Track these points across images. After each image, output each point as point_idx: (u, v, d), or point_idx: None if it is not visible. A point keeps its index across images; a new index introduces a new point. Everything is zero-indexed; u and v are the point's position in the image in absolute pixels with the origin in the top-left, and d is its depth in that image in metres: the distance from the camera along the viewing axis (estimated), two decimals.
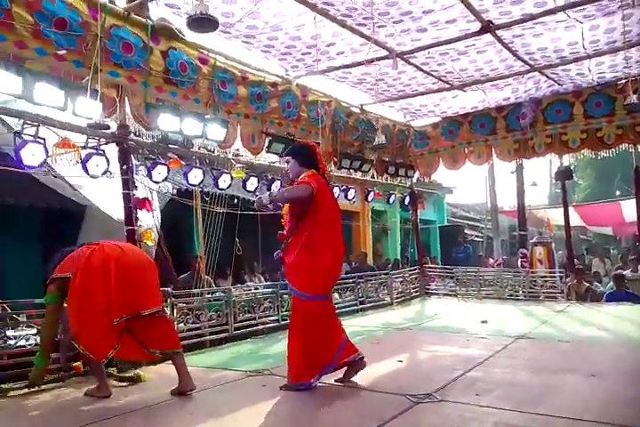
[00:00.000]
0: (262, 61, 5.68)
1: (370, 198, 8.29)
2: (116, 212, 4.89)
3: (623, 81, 7.04)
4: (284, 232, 3.51)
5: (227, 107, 5.13)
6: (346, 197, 7.50)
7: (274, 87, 5.68)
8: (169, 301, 4.52)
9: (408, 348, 4.65)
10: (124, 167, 4.27)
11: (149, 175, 4.60)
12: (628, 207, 12.67)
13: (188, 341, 4.72)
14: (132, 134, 4.50)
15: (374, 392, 3.24)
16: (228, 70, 5.08)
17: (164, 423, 2.87)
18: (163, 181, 4.78)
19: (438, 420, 2.76)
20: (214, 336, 5.07)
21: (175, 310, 4.65)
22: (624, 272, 8.72)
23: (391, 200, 8.78)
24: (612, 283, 8.29)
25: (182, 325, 4.69)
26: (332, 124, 6.61)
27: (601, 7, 4.83)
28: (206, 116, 4.74)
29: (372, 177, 8.11)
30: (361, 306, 7.23)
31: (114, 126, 4.33)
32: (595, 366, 3.69)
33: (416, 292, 8.67)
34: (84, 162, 4.06)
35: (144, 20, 4.19)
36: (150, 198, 4.64)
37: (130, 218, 4.27)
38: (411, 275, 8.74)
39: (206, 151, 5.43)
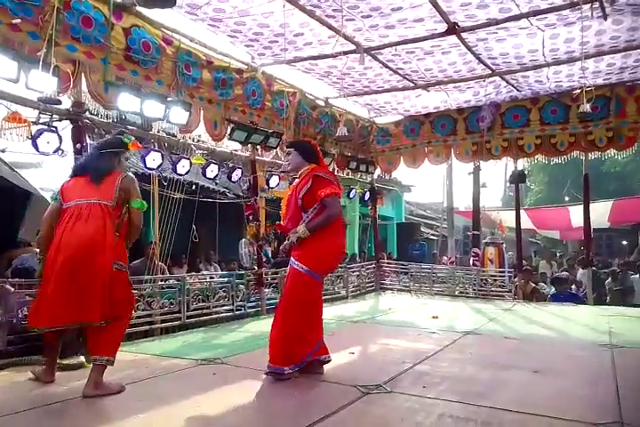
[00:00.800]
0: (228, 47, 5.58)
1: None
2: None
3: (578, 91, 7.35)
4: (284, 222, 3.48)
5: (190, 90, 5.01)
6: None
7: (239, 74, 5.59)
8: None
9: (361, 340, 4.70)
10: (78, 146, 4.09)
11: None
12: (575, 213, 13.23)
13: (138, 328, 4.62)
14: (87, 112, 4.32)
15: (325, 383, 3.26)
16: (192, 53, 4.97)
17: (109, 410, 2.79)
18: None
19: (386, 410, 2.80)
20: (166, 324, 4.98)
21: None
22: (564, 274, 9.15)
23: (351, 195, 8.83)
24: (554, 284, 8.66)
25: (133, 312, 4.57)
26: (295, 115, 6.58)
27: (562, 17, 4.99)
28: (168, 99, 4.60)
29: (333, 171, 8.13)
30: None
31: (69, 103, 4.14)
32: (538, 362, 3.82)
33: (371, 286, 8.79)
34: (34, 138, 3.87)
35: None
36: None
37: None
38: (367, 270, 8.84)
39: (166, 135, 5.29)
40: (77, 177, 3.20)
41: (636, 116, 7.08)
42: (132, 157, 5.85)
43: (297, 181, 3.53)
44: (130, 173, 3.32)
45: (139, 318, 4.67)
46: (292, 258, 3.34)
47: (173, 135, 5.40)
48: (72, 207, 3.04)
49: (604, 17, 4.78)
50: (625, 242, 22.34)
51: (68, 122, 4.16)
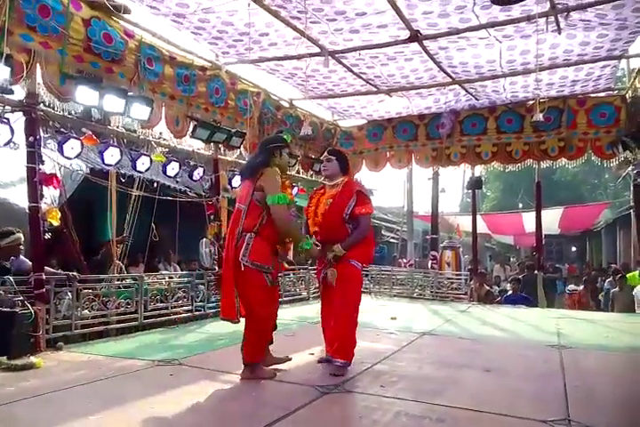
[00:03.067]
0: (192, 44, 5.51)
1: (294, 194, 8.29)
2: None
3: (532, 101, 7.65)
4: (320, 231, 3.64)
5: (152, 85, 4.92)
6: None
7: (202, 71, 5.52)
8: (73, 286, 4.26)
9: (321, 341, 4.61)
10: (31, 139, 3.93)
11: (60, 150, 4.27)
12: (528, 219, 13.73)
13: (92, 328, 4.48)
14: (42, 104, 4.16)
15: (284, 383, 3.25)
16: (155, 48, 4.88)
17: (57, 412, 2.69)
18: (76, 157, 4.46)
19: (344, 409, 2.83)
20: (122, 324, 4.85)
21: (80, 296, 4.40)
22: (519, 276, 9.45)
23: None
24: (509, 286, 8.95)
25: (87, 311, 4.44)
26: (259, 115, 6.56)
27: (519, 29, 5.19)
28: (129, 94, 4.49)
29: (298, 172, 8.14)
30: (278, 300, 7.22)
31: (23, 94, 3.98)
32: (490, 362, 3.94)
33: None
34: None
35: None
36: (59, 175, 4.30)
37: (34, 194, 3.96)
38: None
39: (125, 131, 5.16)
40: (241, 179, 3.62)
41: (586, 127, 7.43)
42: (89, 152, 5.70)
43: (332, 190, 3.66)
44: (268, 169, 3.33)
45: (94, 318, 4.53)
46: (343, 259, 3.55)
47: (133, 131, 5.27)
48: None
49: (559, 31, 5.00)
50: (574, 248, 23.35)
51: (20, 114, 3.99)
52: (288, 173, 3.94)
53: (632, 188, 8.44)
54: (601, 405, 2.97)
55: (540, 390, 3.24)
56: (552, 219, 14.16)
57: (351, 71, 6.39)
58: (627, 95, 6.98)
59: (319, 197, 3.72)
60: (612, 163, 7.72)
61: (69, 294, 4.37)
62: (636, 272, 7.94)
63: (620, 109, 7.15)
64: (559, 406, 2.88)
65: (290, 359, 3.66)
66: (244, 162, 7.10)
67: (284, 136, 3.58)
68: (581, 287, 9.61)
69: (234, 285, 3.22)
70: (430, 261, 11.04)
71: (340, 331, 3.48)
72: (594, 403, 2.99)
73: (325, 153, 3.81)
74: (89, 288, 4.54)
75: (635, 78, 6.47)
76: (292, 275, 7.80)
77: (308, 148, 8.02)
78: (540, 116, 5.51)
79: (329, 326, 3.62)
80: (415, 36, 5.23)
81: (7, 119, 3.84)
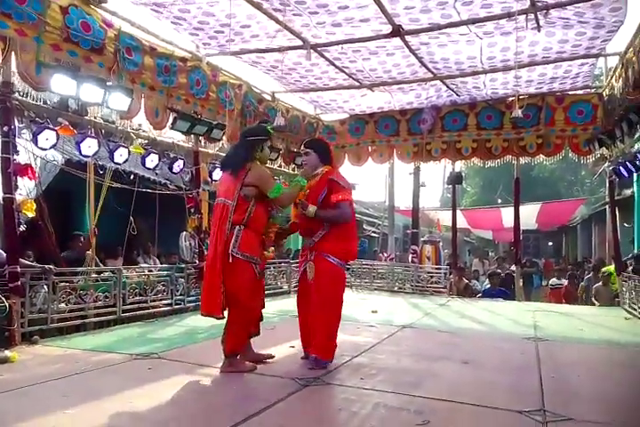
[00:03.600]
0: (172, 34, 5.42)
1: None
2: None
3: (512, 98, 7.73)
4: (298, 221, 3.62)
5: (131, 75, 4.82)
6: None
7: (183, 62, 5.45)
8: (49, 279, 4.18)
9: None
10: (5, 129, 3.83)
11: (35, 140, 4.17)
12: (507, 214, 13.92)
13: (70, 322, 4.42)
14: (17, 93, 4.05)
15: (264, 376, 3.25)
16: (134, 37, 4.78)
17: (32, 406, 2.64)
18: (51, 147, 4.35)
19: (324, 401, 2.85)
20: (100, 318, 4.79)
21: (57, 289, 4.32)
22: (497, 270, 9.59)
23: None
24: (487, 280, 9.07)
25: (63, 305, 4.37)
26: (241, 108, 6.50)
27: (499, 26, 5.23)
28: (108, 83, 4.39)
29: (279, 166, 8.11)
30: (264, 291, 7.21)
31: None
32: (468, 354, 4.00)
33: None
34: None
35: None
36: (34, 166, 4.21)
37: (9, 185, 3.86)
38: None
39: (103, 121, 5.06)
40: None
41: (564, 124, 7.54)
42: (66, 143, 5.59)
43: (312, 181, 3.58)
44: (254, 164, 3.34)
45: (71, 311, 4.46)
46: (319, 252, 3.47)
47: (112, 122, 5.18)
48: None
49: (538, 28, 5.05)
50: (550, 243, 23.78)
51: None
52: (268, 165, 3.82)
53: (607, 184, 8.60)
54: (576, 396, 3.04)
55: (516, 381, 3.31)
56: (530, 214, 14.37)
57: (333, 65, 6.37)
58: (604, 93, 7.10)
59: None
60: (588, 160, 7.88)
61: (45, 287, 4.30)
62: (611, 267, 8.12)
63: (597, 107, 7.28)
64: (535, 397, 2.94)
65: (272, 357, 3.62)
66: (224, 155, 7.06)
67: (267, 128, 3.50)
68: (565, 282, 9.62)
69: (221, 280, 3.19)
70: (411, 256, 11.13)
71: (318, 329, 3.42)
72: (569, 394, 3.06)
73: (302, 146, 3.72)
74: (65, 281, 4.46)
75: (611, 76, 6.58)
76: (272, 268, 7.78)
77: (289, 141, 7.99)
78: (519, 113, 5.57)
79: (306, 323, 3.56)
80: (397, 31, 5.23)
81: None
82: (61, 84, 4.08)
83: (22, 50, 3.88)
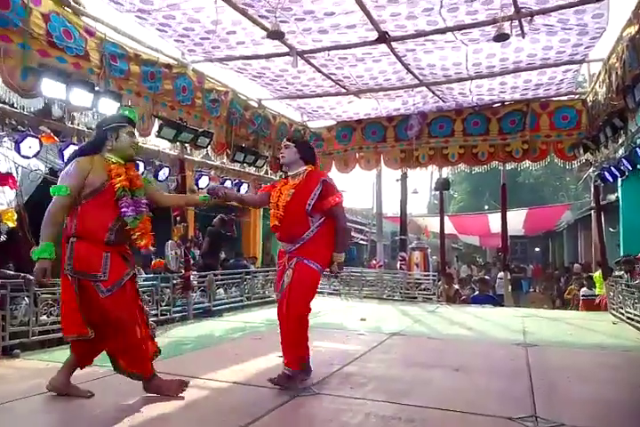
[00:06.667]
0: (157, 41, 5.39)
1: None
2: None
3: (498, 104, 7.80)
4: (281, 225, 3.25)
5: (118, 82, 4.80)
6: (238, 191, 7.36)
7: (168, 69, 5.42)
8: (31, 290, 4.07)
9: None
10: None
11: (17, 149, 4.08)
12: (494, 220, 14.02)
13: (51, 335, 4.30)
14: None
15: (253, 387, 3.19)
16: (118, 45, 4.75)
17: (12, 423, 2.55)
18: (34, 155, 4.26)
19: (314, 412, 2.79)
20: None
21: (38, 301, 4.21)
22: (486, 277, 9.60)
23: None
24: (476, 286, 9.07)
25: (45, 317, 4.26)
26: (227, 115, 6.47)
27: (485, 33, 5.27)
28: (96, 88, 4.33)
29: (266, 173, 8.07)
30: (247, 302, 7.15)
31: None
32: (458, 361, 3.97)
33: None
34: None
35: None
36: (15, 175, 4.11)
37: None
38: None
39: (86, 129, 4.99)
40: None
41: (549, 130, 7.63)
42: (48, 151, 5.48)
43: (294, 181, 3.27)
44: (82, 158, 2.88)
45: (53, 324, 4.34)
46: (300, 257, 3.17)
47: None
48: None
49: (523, 35, 5.10)
50: (537, 248, 23.99)
51: None
52: (136, 156, 3.28)
53: (592, 189, 8.69)
54: (567, 401, 3.02)
55: (507, 387, 3.28)
56: (516, 220, 14.49)
57: (320, 72, 6.37)
58: (588, 99, 7.19)
59: (280, 188, 3.33)
60: (573, 165, 7.95)
61: (26, 299, 4.19)
62: (598, 273, 8.15)
63: (581, 113, 7.37)
64: (526, 403, 2.92)
65: (91, 396, 2.92)
66: (211, 162, 7.01)
67: (125, 112, 3.06)
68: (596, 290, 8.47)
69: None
70: (399, 262, 11.13)
71: (290, 337, 3.21)
72: (560, 399, 3.04)
73: (285, 140, 3.42)
74: (47, 293, 4.35)
75: (595, 82, 6.67)
76: (260, 277, 7.71)
77: (276, 148, 7.96)
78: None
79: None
80: (383, 38, 5.25)
81: None
82: (50, 89, 3.99)
83: (6, 55, 3.81)
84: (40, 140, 4.23)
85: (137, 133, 3.13)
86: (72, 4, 4.19)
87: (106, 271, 2.76)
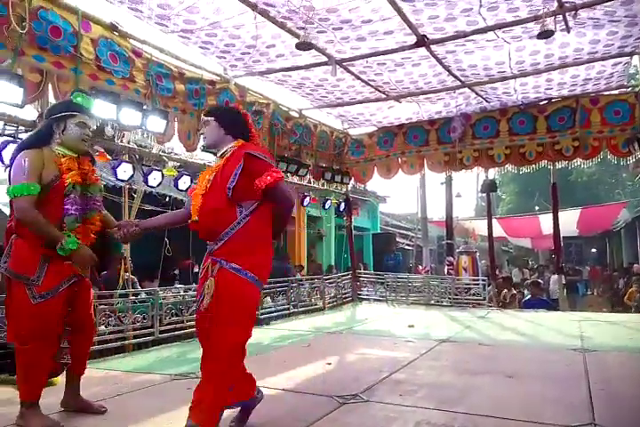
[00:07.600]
0: (200, 58, 5.58)
1: (305, 203, 8.30)
2: None
3: (545, 102, 7.58)
4: (200, 219, 2.52)
5: (164, 100, 5.00)
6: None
7: (211, 85, 5.58)
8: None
9: (337, 351, 4.67)
10: None
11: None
12: (545, 221, 13.55)
13: (109, 344, 4.49)
14: None
15: (301, 394, 3.22)
16: (163, 65, 4.96)
17: None
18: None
19: (363, 419, 2.78)
20: (139, 340, 4.85)
21: (97, 312, 4.41)
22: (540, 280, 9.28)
23: (326, 206, 8.83)
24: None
25: (104, 327, 4.45)
26: (269, 126, 6.59)
27: (527, 30, 5.15)
28: (144, 107, 4.55)
29: (309, 182, 8.15)
30: (293, 310, 7.21)
31: (35, 114, 4.06)
32: (512, 367, 3.86)
33: (348, 297, 8.79)
34: None
35: (73, 4, 3.99)
36: None
37: None
38: (343, 280, 8.84)
39: (137, 146, 5.22)
40: None
41: (600, 126, 7.32)
42: (102, 169, 5.76)
43: (218, 162, 2.56)
44: (26, 151, 2.60)
45: (111, 333, 4.54)
46: (222, 261, 2.39)
47: (144, 147, 5.33)
48: None
49: (567, 30, 4.95)
50: (593, 249, 22.95)
51: None
52: (88, 149, 2.89)
53: None
54: (627, 409, 2.89)
55: (563, 394, 3.17)
56: (570, 220, 13.95)
57: (359, 79, 6.40)
58: None
59: (203, 175, 2.60)
60: (628, 161, 7.60)
61: None
62: None
63: (634, 106, 7.04)
64: (584, 410, 2.82)
65: (103, 411, 2.84)
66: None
67: (78, 99, 2.75)
68: None
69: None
70: (447, 267, 10.93)
71: (204, 381, 2.43)
72: (619, 407, 2.91)
73: (202, 115, 2.65)
74: (105, 304, 4.55)
75: None
76: (306, 285, 7.77)
77: (318, 157, 8.04)
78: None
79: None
80: (422, 41, 5.22)
81: (20, 139, 3.90)
82: (102, 109, 4.21)
83: (60, 80, 4.04)
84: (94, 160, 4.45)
85: (91, 123, 2.80)
86: (119, 28, 4.40)
87: (40, 276, 2.53)
